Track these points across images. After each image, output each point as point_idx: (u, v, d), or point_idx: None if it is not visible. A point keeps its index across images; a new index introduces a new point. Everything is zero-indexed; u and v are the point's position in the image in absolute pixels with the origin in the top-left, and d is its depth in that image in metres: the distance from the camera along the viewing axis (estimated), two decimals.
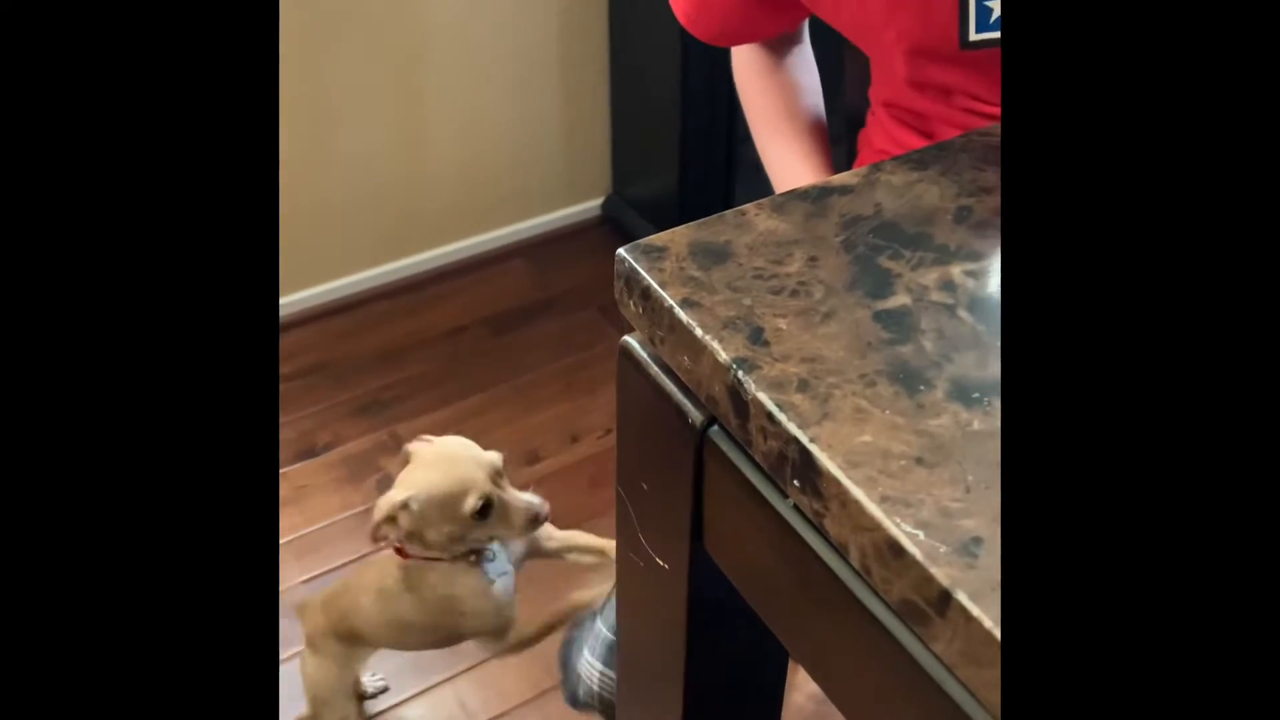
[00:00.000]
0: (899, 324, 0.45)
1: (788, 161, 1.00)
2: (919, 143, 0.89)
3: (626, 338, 0.51)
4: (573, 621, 1.15)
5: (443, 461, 1.12)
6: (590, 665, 1.02)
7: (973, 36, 0.78)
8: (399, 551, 1.17)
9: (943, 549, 0.36)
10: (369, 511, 1.12)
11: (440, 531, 1.11)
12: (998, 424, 0.41)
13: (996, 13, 0.77)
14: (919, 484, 0.39)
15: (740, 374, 0.43)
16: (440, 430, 1.20)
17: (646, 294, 0.48)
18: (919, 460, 0.39)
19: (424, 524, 1.11)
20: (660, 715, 0.60)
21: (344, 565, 1.66)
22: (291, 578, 1.65)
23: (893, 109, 0.91)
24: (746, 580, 0.49)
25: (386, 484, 1.16)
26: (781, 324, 0.45)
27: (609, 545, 1.21)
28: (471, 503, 1.08)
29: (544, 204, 2.32)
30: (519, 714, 1.50)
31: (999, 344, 0.44)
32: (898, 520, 0.37)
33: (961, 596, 0.35)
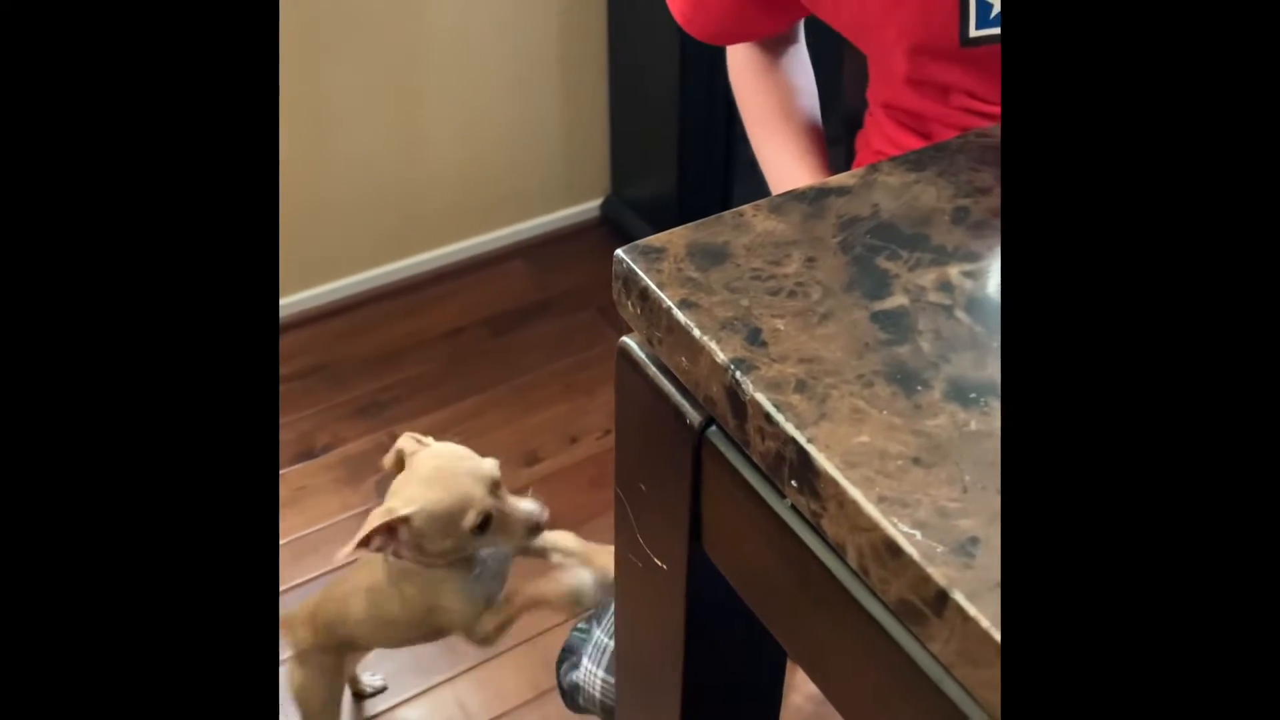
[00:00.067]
0: (896, 324, 0.45)
1: (783, 161, 1.00)
2: (917, 144, 0.89)
3: (624, 339, 0.52)
4: (569, 632, 1.15)
5: (441, 476, 1.10)
6: (591, 673, 1.02)
7: (973, 33, 0.78)
8: (393, 552, 1.17)
9: (940, 549, 0.36)
10: (368, 513, 1.12)
11: (439, 545, 1.11)
12: (995, 424, 0.41)
13: (996, 9, 0.77)
14: (916, 484, 0.39)
15: (738, 374, 0.43)
16: (439, 431, 1.19)
17: (645, 295, 0.48)
18: (916, 460, 0.40)
19: (423, 539, 1.10)
20: (659, 715, 0.60)
21: (343, 566, 1.66)
22: (290, 579, 1.65)
23: (890, 110, 0.91)
24: (744, 580, 0.49)
25: (385, 485, 1.16)
26: (779, 325, 0.45)
27: (590, 551, 1.20)
28: (471, 520, 1.08)
29: (543, 205, 2.32)
30: (518, 715, 1.50)
31: (996, 344, 0.44)
32: (895, 520, 0.37)
33: (958, 596, 0.35)
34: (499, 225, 2.29)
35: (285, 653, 1.38)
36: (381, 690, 1.52)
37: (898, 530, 0.37)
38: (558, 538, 1.22)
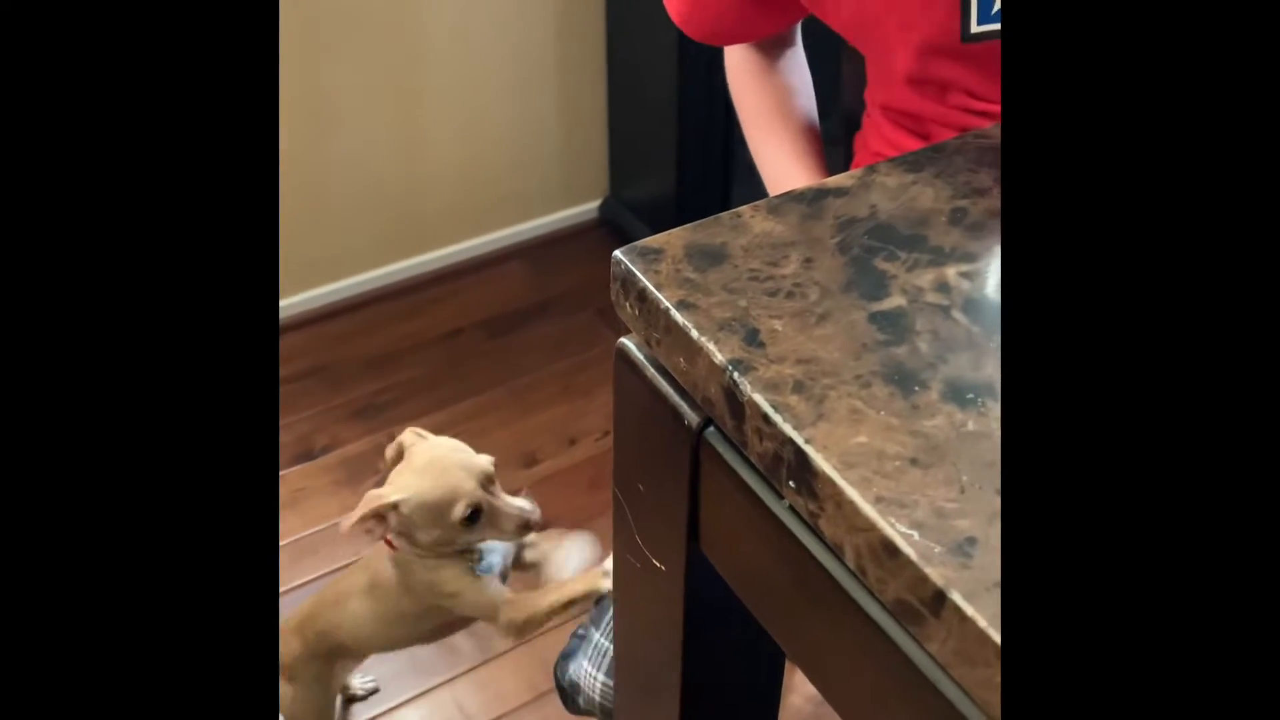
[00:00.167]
0: (894, 325, 0.45)
1: (781, 162, 1.01)
2: (915, 145, 0.89)
3: (623, 340, 0.52)
4: (570, 634, 1.15)
5: (434, 467, 1.12)
6: (590, 675, 1.02)
7: (974, 29, 0.78)
8: (388, 543, 1.17)
9: (937, 549, 0.37)
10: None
11: (429, 535, 1.12)
12: (992, 424, 0.41)
13: (998, 4, 0.77)
14: (914, 484, 0.39)
15: (736, 375, 0.43)
16: (437, 432, 1.20)
17: (643, 296, 0.48)
18: (914, 461, 0.40)
19: (412, 527, 1.11)
20: (657, 716, 0.60)
21: (342, 568, 1.66)
22: (289, 581, 1.65)
23: (888, 112, 0.91)
24: (742, 581, 0.49)
25: (383, 485, 1.16)
26: (777, 325, 0.45)
27: (581, 582, 1.20)
28: (459, 510, 1.09)
29: (541, 206, 2.32)
30: (517, 716, 1.50)
31: (993, 345, 0.44)
32: (892, 521, 0.38)
33: (956, 596, 0.35)
34: (497, 227, 2.29)
35: None
36: (374, 692, 1.52)
37: (895, 530, 0.37)
38: (546, 555, 1.22)
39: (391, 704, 1.52)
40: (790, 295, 0.47)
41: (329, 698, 1.32)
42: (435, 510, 1.09)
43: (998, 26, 0.78)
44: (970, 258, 0.49)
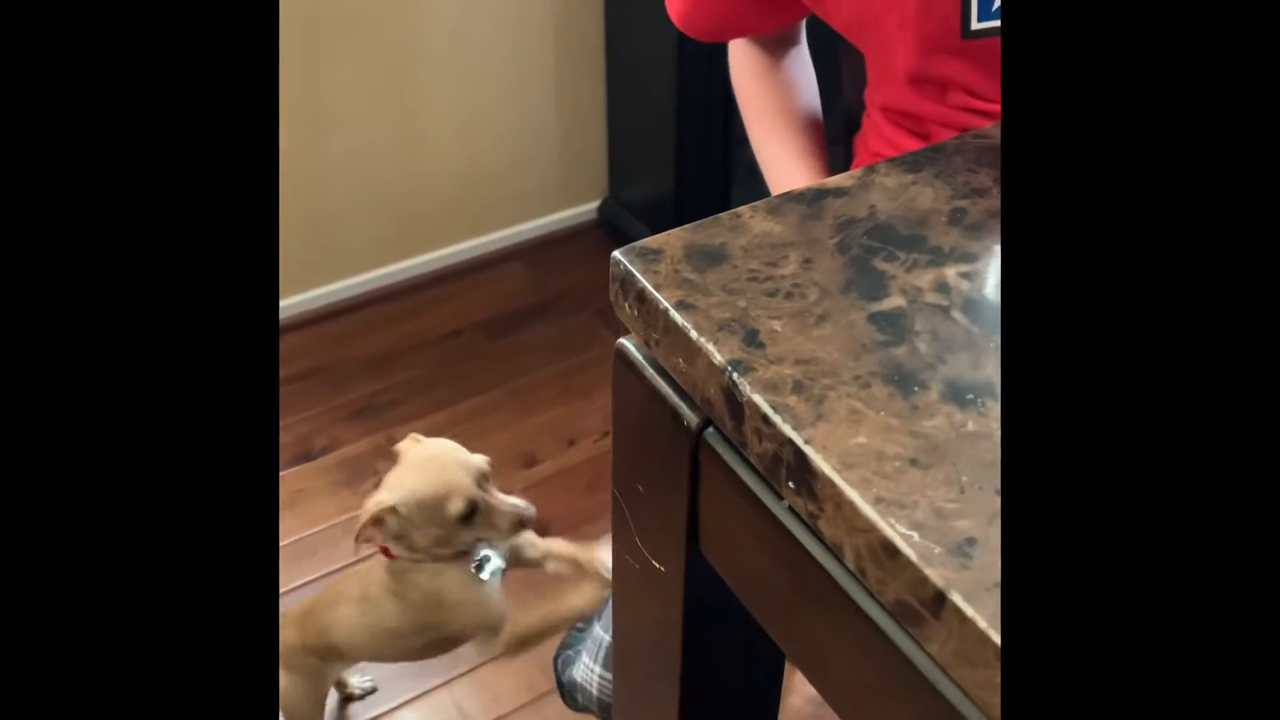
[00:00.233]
0: (893, 326, 0.45)
1: (784, 161, 1.01)
2: (914, 145, 0.89)
3: (622, 340, 0.52)
4: (568, 629, 1.14)
5: (428, 465, 1.12)
6: (590, 670, 1.02)
7: (975, 25, 0.78)
8: (385, 551, 1.16)
9: (937, 550, 0.36)
10: None
11: (426, 535, 1.11)
12: (992, 425, 0.41)
13: (999, 1, 0.77)
14: (913, 485, 0.39)
15: (735, 376, 0.43)
16: (436, 434, 1.20)
17: (642, 296, 0.48)
18: (913, 461, 0.40)
19: (410, 527, 1.11)
20: (657, 717, 0.60)
21: (340, 569, 1.66)
22: (288, 581, 1.65)
23: (888, 112, 0.91)
24: (742, 582, 0.49)
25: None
26: (776, 326, 0.45)
27: (586, 556, 1.20)
28: (455, 507, 1.08)
29: (540, 207, 2.32)
30: (515, 718, 1.50)
31: (993, 345, 0.44)
32: (892, 521, 0.37)
33: (956, 597, 0.35)
34: (496, 227, 2.29)
35: None
36: (371, 692, 1.52)
37: (895, 531, 0.37)
38: (550, 545, 1.22)
39: (390, 705, 1.51)
40: (789, 296, 0.47)
41: (321, 693, 1.31)
42: (431, 507, 1.09)
43: (998, 23, 0.78)
44: (970, 258, 0.49)
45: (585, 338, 2.10)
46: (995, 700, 0.35)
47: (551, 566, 1.23)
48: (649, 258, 0.49)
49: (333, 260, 2.15)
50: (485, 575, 1.17)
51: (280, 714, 1.30)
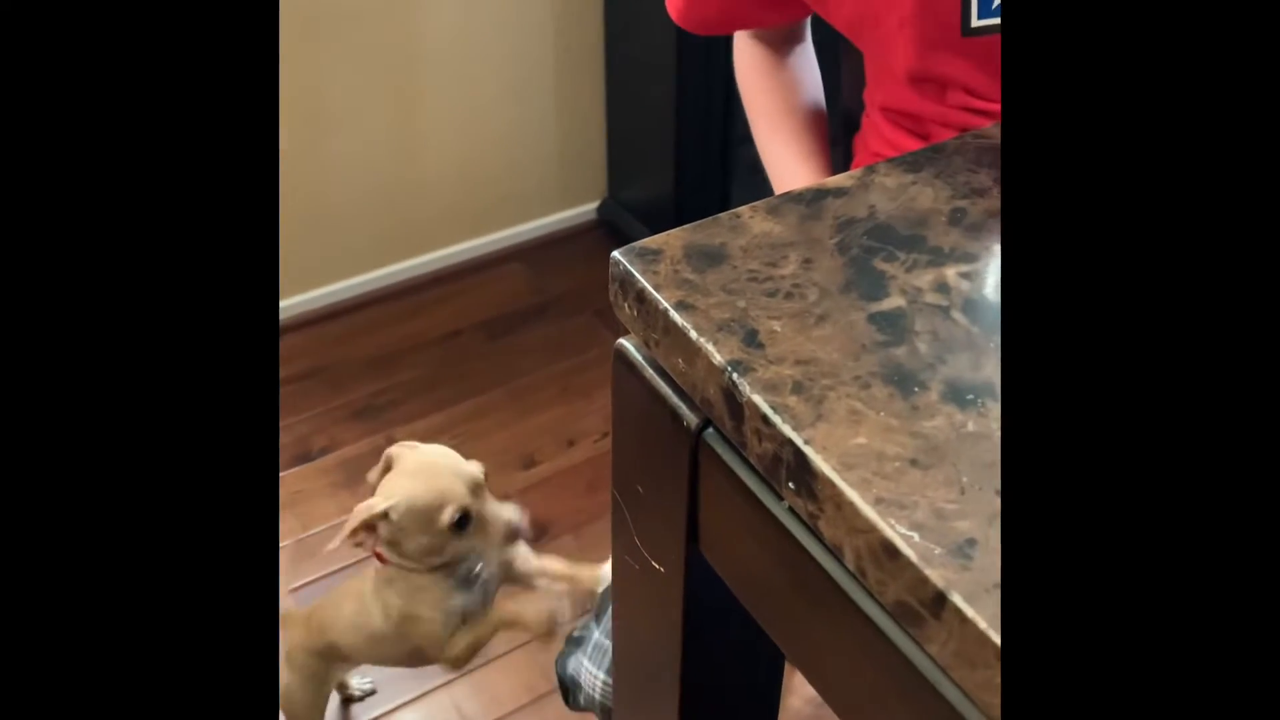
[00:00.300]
0: (893, 326, 0.45)
1: (788, 161, 1.01)
2: (914, 145, 0.89)
3: (621, 341, 0.51)
4: (571, 630, 1.14)
5: (423, 472, 1.11)
6: (591, 673, 1.02)
7: (975, 23, 0.78)
8: (378, 557, 1.16)
9: (937, 550, 0.36)
10: None
11: (417, 542, 1.11)
12: (992, 425, 0.41)
13: None
14: (913, 486, 0.39)
15: (735, 376, 0.43)
16: (436, 435, 1.19)
17: (641, 297, 0.48)
18: (913, 462, 0.39)
19: (401, 534, 1.10)
20: (656, 717, 0.60)
21: (340, 570, 1.66)
22: (288, 582, 1.65)
23: (888, 112, 0.91)
24: (742, 582, 0.49)
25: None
26: (776, 326, 0.45)
27: (589, 575, 1.19)
28: (449, 515, 1.08)
29: (540, 207, 2.32)
30: (515, 719, 1.50)
31: (993, 345, 0.44)
32: (892, 522, 0.37)
33: (956, 598, 0.35)
34: (496, 228, 2.29)
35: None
36: (371, 694, 1.52)
37: (895, 532, 0.37)
38: (545, 563, 1.21)
39: (390, 706, 1.51)
40: (789, 296, 0.47)
41: (323, 694, 1.31)
42: (425, 515, 1.09)
43: (998, 20, 0.78)
44: (969, 258, 0.49)
45: (585, 338, 2.09)
46: (995, 701, 0.34)
47: (543, 584, 1.22)
48: (648, 258, 0.49)
49: (332, 261, 2.15)
50: (475, 588, 1.16)
51: (281, 714, 1.30)
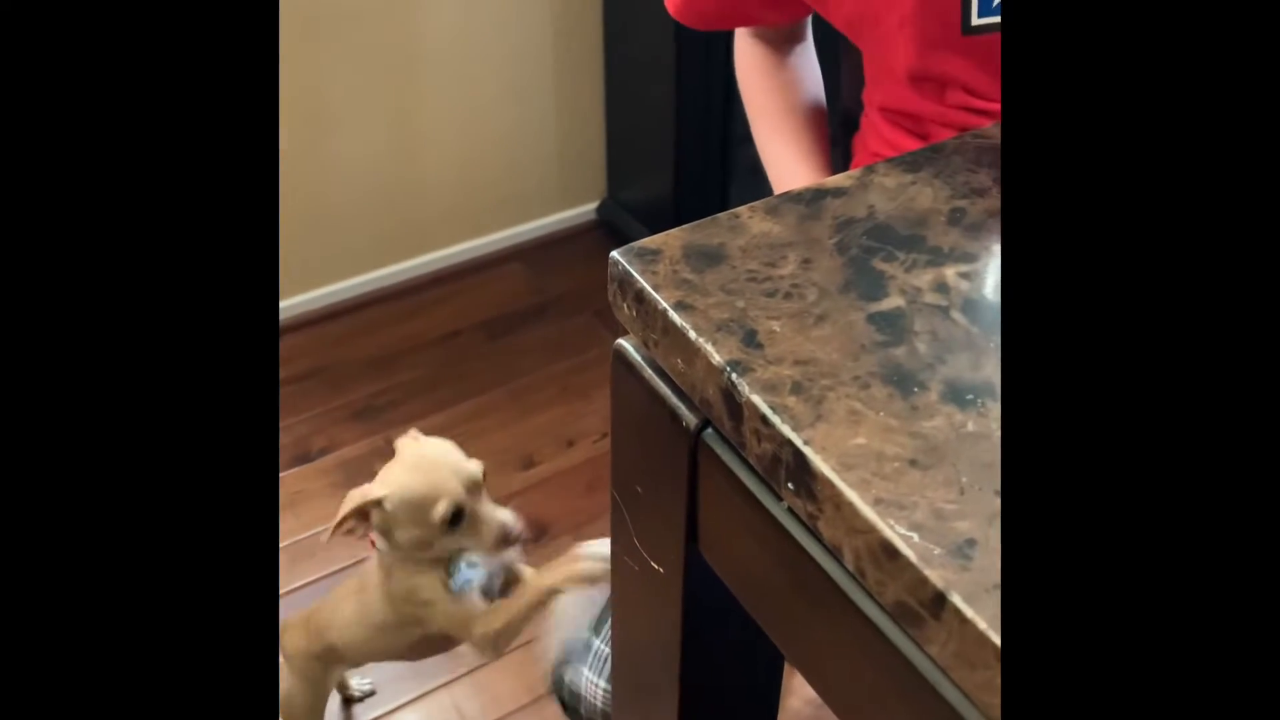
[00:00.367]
0: (892, 326, 0.45)
1: (788, 161, 1.01)
2: (913, 145, 0.89)
3: (620, 341, 0.51)
4: (564, 646, 1.13)
5: (421, 465, 1.11)
6: (592, 682, 1.01)
7: (975, 21, 0.78)
8: (372, 544, 1.17)
9: (937, 551, 0.36)
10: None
11: (408, 534, 1.11)
12: (992, 425, 0.41)
13: None
14: (913, 486, 0.39)
15: (734, 376, 0.43)
16: (436, 434, 1.19)
17: (640, 297, 0.48)
18: (913, 462, 0.39)
19: (393, 524, 1.10)
20: (655, 718, 0.60)
21: (339, 571, 1.66)
22: (287, 583, 1.65)
23: (887, 112, 0.91)
24: (741, 583, 0.49)
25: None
26: (775, 326, 0.45)
27: (555, 574, 1.18)
28: (441, 510, 1.07)
29: (540, 208, 2.32)
30: (514, 719, 1.50)
31: (992, 345, 0.44)
32: (892, 522, 0.37)
33: (956, 598, 0.35)
34: (496, 228, 2.29)
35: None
36: (370, 694, 1.52)
37: (894, 532, 0.37)
38: (540, 581, 1.19)
39: (390, 706, 1.51)
40: (788, 296, 0.47)
41: (320, 696, 1.31)
42: (417, 507, 1.09)
43: (998, 19, 0.78)
44: (969, 258, 0.49)
45: (584, 338, 2.09)
46: (995, 702, 0.34)
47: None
48: (647, 258, 0.49)
49: (333, 261, 2.15)
50: (455, 588, 1.16)
51: (281, 717, 1.30)
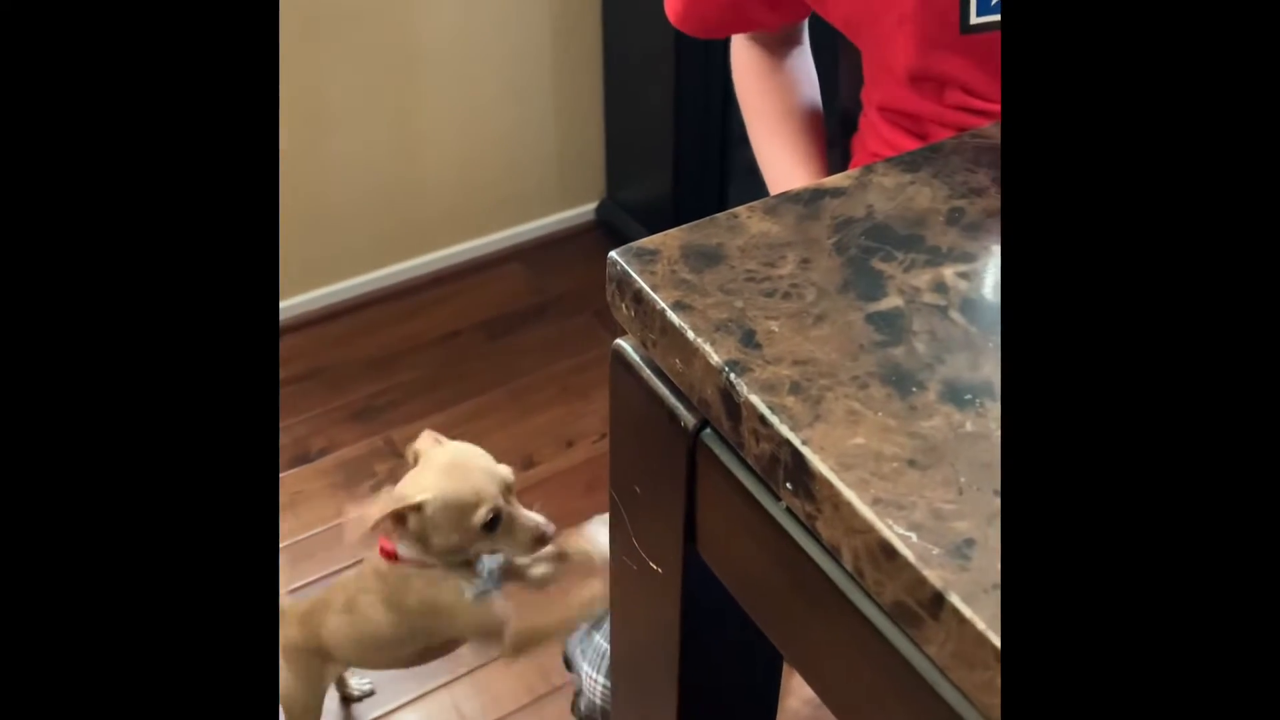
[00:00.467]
0: (891, 326, 0.45)
1: (784, 163, 1.01)
2: (912, 145, 0.89)
3: (619, 341, 0.51)
4: (573, 631, 1.14)
5: (457, 469, 1.10)
6: (592, 679, 1.01)
7: (974, 20, 0.78)
8: (388, 555, 1.15)
9: (935, 551, 0.36)
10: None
11: (446, 539, 1.10)
12: (990, 425, 0.41)
13: None
14: (911, 486, 0.39)
15: (732, 376, 0.43)
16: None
17: (638, 297, 0.48)
18: (911, 462, 0.39)
19: (432, 529, 1.09)
20: (654, 718, 0.60)
21: (338, 571, 1.66)
22: (287, 584, 1.65)
23: (886, 112, 0.91)
24: (739, 583, 0.49)
25: (380, 490, 1.15)
26: (773, 326, 0.45)
27: (576, 546, 1.19)
28: (482, 514, 1.07)
29: (539, 208, 2.32)
30: (514, 719, 1.50)
31: (991, 345, 0.44)
32: (890, 522, 0.37)
33: (954, 598, 0.35)
34: (495, 228, 2.29)
35: None
36: (369, 694, 1.52)
37: (893, 532, 0.37)
38: (561, 541, 1.20)
39: (390, 706, 1.51)
40: (787, 296, 0.47)
41: (320, 690, 1.31)
42: (458, 512, 1.08)
43: (997, 18, 0.78)
44: (968, 258, 0.49)
45: (584, 339, 2.09)
46: (994, 702, 0.34)
47: (550, 578, 1.21)
48: (646, 258, 0.49)
49: (332, 261, 2.15)
50: (480, 587, 1.16)
51: (280, 710, 1.30)
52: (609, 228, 2.33)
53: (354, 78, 1.98)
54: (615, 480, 0.55)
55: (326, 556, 1.69)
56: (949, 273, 0.48)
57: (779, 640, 0.48)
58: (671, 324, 0.46)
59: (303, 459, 1.86)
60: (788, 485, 0.41)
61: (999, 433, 0.40)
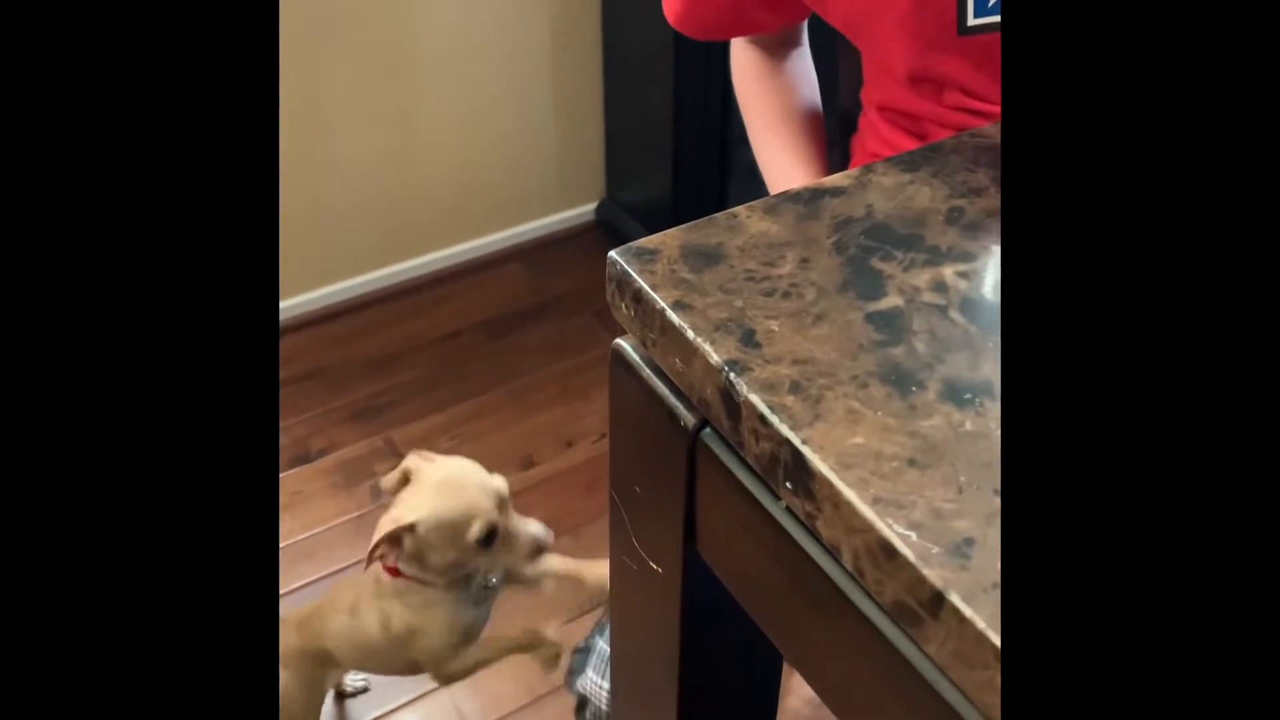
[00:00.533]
0: (891, 325, 0.45)
1: (783, 164, 1.01)
2: (912, 145, 0.89)
3: (618, 341, 0.51)
4: (576, 642, 1.14)
5: (450, 486, 1.09)
6: (596, 684, 1.01)
7: (971, 21, 0.78)
8: (392, 571, 1.15)
9: (935, 550, 0.36)
10: (364, 517, 1.11)
11: (443, 557, 1.09)
12: (990, 425, 0.41)
13: None
14: (911, 485, 0.39)
15: (732, 376, 0.43)
16: (436, 435, 1.19)
17: (638, 297, 0.48)
18: (911, 462, 0.40)
19: (427, 549, 1.09)
20: (655, 718, 0.60)
21: (338, 572, 1.66)
22: (286, 584, 1.65)
23: (885, 112, 0.91)
24: (739, 582, 0.49)
25: (380, 491, 1.15)
26: (773, 326, 0.45)
27: (585, 573, 1.19)
28: (476, 531, 1.07)
29: (539, 208, 2.33)
30: (514, 719, 1.50)
31: (991, 345, 0.44)
32: (890, 522, 0.37)
33: (954, 598, 0.35)
34: (495, 229, 2.29)
35: None
36: (363, 690, 1.52)
37: (893, 531, 0.37)
38: (551, 562, 1.20)
39: (390, 706, 1.51)
40: (786, 295, 0.47)
41: (319, 695, 1.31)
42: (452, 530, 1.07)
43: (995, 19, 0.78)
44: (967, 257, 0.49)
45: (584, 339, 2.10)
46: (994, 701, 0.34)
47: (549, 586, 1.21)
48: (645, 258, 0.49)
49: (332, 261, 2.15)
50: (484, 604, 1.16)
51: (279, 711, 1.30)
52: (609, 228, 2.33)
53: (354, 77, 1.98)
54: (615, 480, 0.55)
55: (326, 557, 1.69)
56: (949, 272, 0.48)
57: (779, 640, 0.48)
58: (671, 323, 0.46)
59: (302, 459, 1.86)
60: (787, 485, 0.41)
61: (999, 432, 0.40)
